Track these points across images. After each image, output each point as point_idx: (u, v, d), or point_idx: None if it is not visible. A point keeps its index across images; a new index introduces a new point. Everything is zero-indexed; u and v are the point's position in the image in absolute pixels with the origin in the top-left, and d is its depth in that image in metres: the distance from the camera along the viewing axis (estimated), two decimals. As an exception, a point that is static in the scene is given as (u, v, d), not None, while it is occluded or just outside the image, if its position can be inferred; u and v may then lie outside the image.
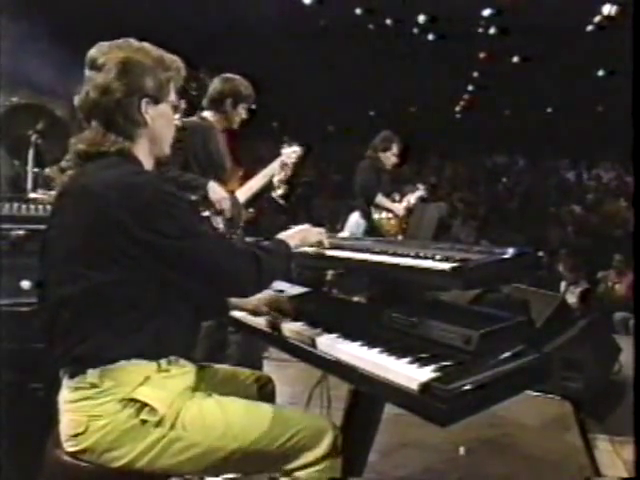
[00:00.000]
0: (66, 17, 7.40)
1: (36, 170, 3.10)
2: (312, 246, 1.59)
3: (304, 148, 2.83)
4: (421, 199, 4.45)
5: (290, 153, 2.80)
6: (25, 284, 2.19)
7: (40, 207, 2.40)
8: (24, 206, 2.40)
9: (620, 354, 3.63)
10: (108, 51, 1.30)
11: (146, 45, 1.34)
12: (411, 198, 4.41)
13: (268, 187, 2.81)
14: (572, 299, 5.79)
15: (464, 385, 1.05)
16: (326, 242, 1.61)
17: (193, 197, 2.60)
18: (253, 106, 2.89)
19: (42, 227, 2.23)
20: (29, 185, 2.96)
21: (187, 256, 1.21)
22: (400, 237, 4.19)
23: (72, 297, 1.21)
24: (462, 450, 2.53)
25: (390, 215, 4.34)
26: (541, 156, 14.46)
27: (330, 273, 1.93)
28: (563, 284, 6.25)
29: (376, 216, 4.33)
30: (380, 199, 4.33)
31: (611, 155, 13.68)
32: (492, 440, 2.68)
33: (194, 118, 2.81)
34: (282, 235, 1.52)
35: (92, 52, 1.32)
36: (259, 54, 8.33)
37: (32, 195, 2.83)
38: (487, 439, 2.66)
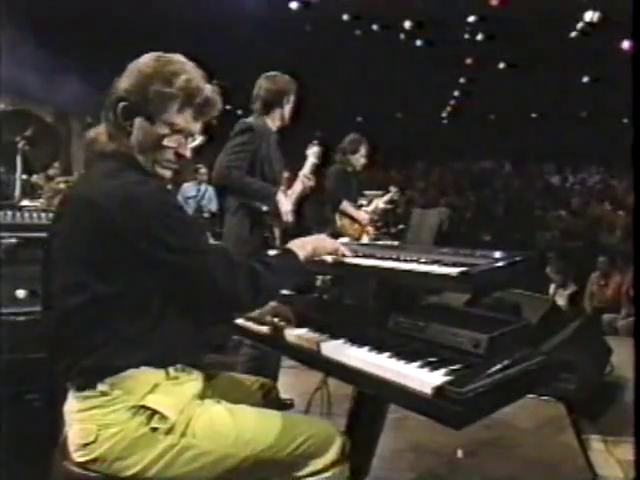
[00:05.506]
0: (51, 23, 7.34)
1: (24, 177, 3.05)
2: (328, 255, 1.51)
3: (323, 147, 2.89)
4: (390, 202, 4.37)
5: (315, 152, 2.85)
6: (20, 293, 2.16)
7: (34, 215, 2.37)
8: (18, 214, 2.36)
9: (611, 355, 3.66)
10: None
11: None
12: (379, 202, 4.29)
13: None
14: (561, 301, 5.84)
15: (478, 388, 1.05)
16: (341, 252, 1.52)
17: (264, 208, 2.63)
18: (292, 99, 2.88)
19: (35, 235, 2.23)
20: (17, 192, 2.91)
21: (186, 271, 1.20)
22: (365, 240, 4.05)
23: (76, 308, 1.19)
24: (460, 453, 2.54)
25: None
26: (526, 161, 14.64)
27: (320, 278, 1.92)
28: (552, 287, 6.31)
29: (339, 223, 4.16)
30: (345, 205, 4.15)
31: (595, 159, 13.89)
32: (489, 442, 2.68)
33: (253, 120, 2.77)
34: (293, 244, 1.46)
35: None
36: (243, 58, 8.34)
37: (23, 202, 2.79)
38: (484, 442, 2.67)
